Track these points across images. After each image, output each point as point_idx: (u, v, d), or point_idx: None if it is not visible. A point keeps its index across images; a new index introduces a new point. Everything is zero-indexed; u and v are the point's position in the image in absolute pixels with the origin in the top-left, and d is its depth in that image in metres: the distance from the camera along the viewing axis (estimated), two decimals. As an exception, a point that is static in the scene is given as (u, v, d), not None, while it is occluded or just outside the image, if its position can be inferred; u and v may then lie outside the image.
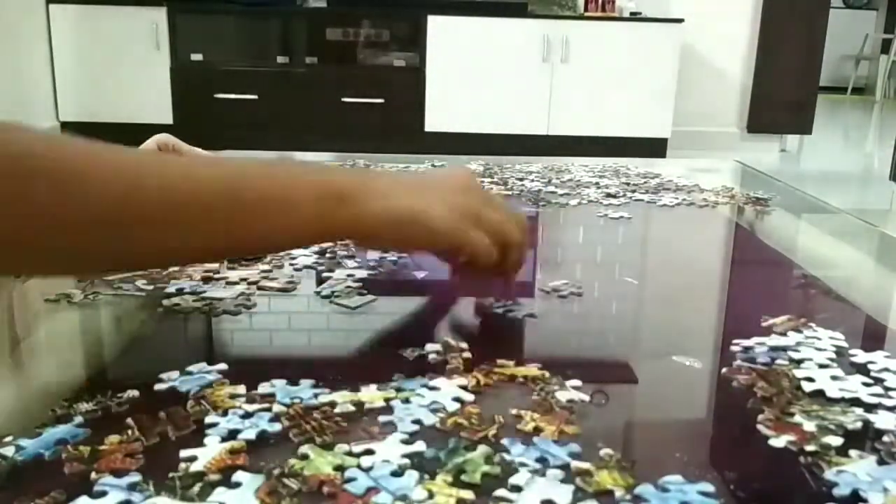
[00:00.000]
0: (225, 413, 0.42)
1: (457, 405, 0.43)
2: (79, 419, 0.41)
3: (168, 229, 0.45)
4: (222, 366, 0.47)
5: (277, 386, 0.45)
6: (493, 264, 0.53)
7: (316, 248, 0.72)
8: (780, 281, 0.76)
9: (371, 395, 0.44)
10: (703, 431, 0.44)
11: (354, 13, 4.56)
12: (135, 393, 0.43)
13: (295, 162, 0.53)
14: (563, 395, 0.44)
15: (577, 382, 0.46)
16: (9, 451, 0.38)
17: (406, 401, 0.43)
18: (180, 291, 0.60)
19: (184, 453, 0.38)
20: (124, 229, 0.44)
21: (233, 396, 0.44)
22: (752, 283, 0.75)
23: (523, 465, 0.37)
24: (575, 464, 0.37)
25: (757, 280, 0.76)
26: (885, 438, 0.41)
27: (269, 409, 0.42)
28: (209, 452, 0.38)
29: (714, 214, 0.93)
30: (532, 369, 0.47)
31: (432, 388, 0.45)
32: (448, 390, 0.45)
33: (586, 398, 0.44)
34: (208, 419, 0.41)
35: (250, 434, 0.40)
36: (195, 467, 0.37)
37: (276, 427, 0.41)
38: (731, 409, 0.45)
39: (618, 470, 0.37)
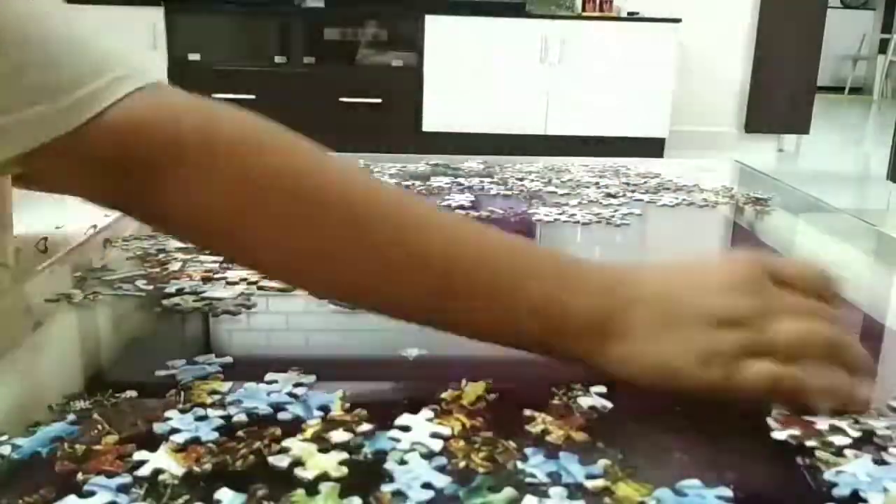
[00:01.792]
0: (187, 410, 0.41)
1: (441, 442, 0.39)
2: (72, 417, 0.41)
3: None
4: (227, 359, 0.47)
5: (248, 390, 0.44)
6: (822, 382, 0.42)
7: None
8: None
9: (327, 463, 0.37)
10: (704, 431, 0.44)
11: (352, 13, 4.56)
12: (133, 393, 0.43)
13: (527, 250, 0.48)
14: (585, 401, 0.44)
15: (602, 389, 0.45)
16: (5, 449, 0.38)
17: (402, 462, 0.38)
18: (180, 291, 0.60)
19: (137, 455, 0.37)
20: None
21: (212, 393, 0.43)
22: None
23: (533, 476, 0.36)
24: (591, 483, 0.36)
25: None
26: (878, 437, 0.41)
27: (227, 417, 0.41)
28: (160, 454, 0.37)
29: (714, 214, 0.93)
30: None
31: (405, 429, 0.40)
32: (422, 427, 0.40)
33: (609, 405, 0.43)
34: (167, 414, 0.41)
35: (180, 438, 0.39)
36: (144, 471, 0.36)
37: (213, 436, 0.39)
38: (732, 408, 0.45)
39: (632, 478, 0.36)
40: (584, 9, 4.69)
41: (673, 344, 0.42)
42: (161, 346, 0.54)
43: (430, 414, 0.42)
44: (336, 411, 0.42)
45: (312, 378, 0.45)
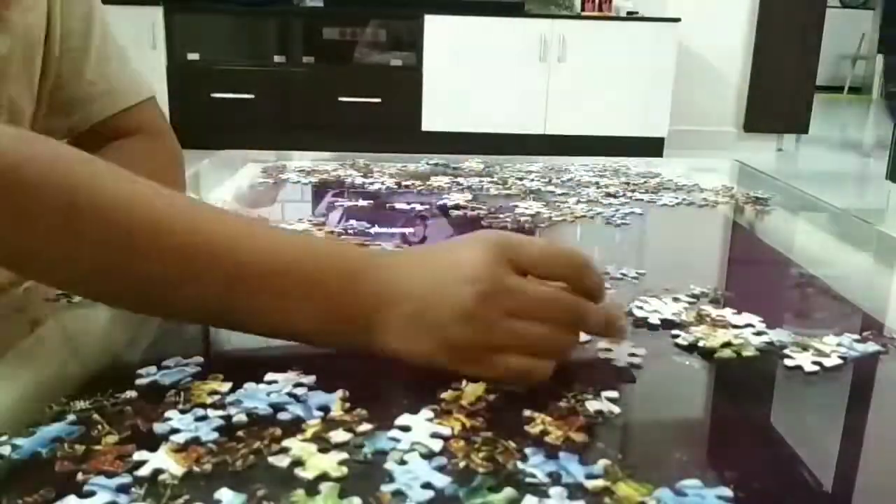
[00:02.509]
0: (187, 411, 0.41)
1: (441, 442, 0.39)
2: (72, 417, 0.40)
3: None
4: (198, 358, 0.47)
5: (248, 390, 0.44)
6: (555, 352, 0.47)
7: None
8: (780, 280, 0.76)
9: (327, 464, 0.37)
10: (704, 431, 0.44)
11: (351, 12, 4.56)
12: (132, 393, 0.43)
13: (311, 252, 0.49)
14: (592, 405, 0.43)
15: (614, 394, 0.45)
16: (5, 449, 0.38)
17: (402, 462, 0.38)
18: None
19: (137, 455, 0.37)
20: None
21: (212, 393, 0.43)
22: (752, 282, 0.75)
23: (533, 475, 0.36)
24: (591, 483, 0.36)
25: (757, 279, 0.76)
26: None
27: (227, 417, 0.41)
28: (160, 454, 0.37)
29: (714, 214, 0.93)
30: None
31: (405, 429, 0.40)
32: (422, 427, 0.40)
33: (617, 410, 0.43)
34: (167, 415, 0.41)
35: (181, 438, 0.39)
36: (144, 471, 0.36)
37: (213, 436, 0.39)
38: (731, 409, 0.45)
39: (632, 478, 0.36)
40: (583, 8, 4.70)
41: (428, 342, 0.45)
42: (161, 346, 0.54)
43: (430, 414, 0.42)
44: (336, 411, 0.42)
45: (312, 378, 0.45)
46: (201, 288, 0.46)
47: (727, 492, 0.36)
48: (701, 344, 0.53)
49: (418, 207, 0.88)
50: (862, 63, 9.46)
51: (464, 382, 0.45)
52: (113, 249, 0.45)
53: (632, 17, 4.60)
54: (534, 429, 0.41)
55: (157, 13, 4.30)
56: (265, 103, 4.41)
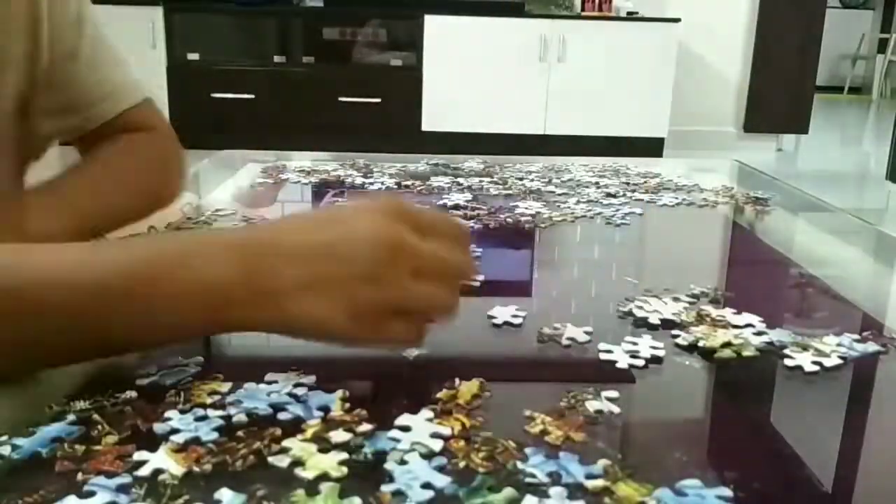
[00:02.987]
0: (187, 411, 0.41)
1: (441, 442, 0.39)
2: (72, 417, 0.41)
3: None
4: (198, 358, 0.47)
5: (248, 390, 0.44)
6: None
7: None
8: (780, 280, 0.76)
9: (327, 464, 0.37)
10: (704, 431, 0.44)
11: (351, 12, 4.56)
12: (133, 393, 0.43)
13: (173, 247, 0.46)
14: (592, 405, 0.43)
15: (614, 394, 0.45)
16: (5, 449, 0.38)
17: (402, 462, 0.37)
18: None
19: (137, 455, 0.37)
20: None
21: (212, 393, 0.43)
22: (752, 282, 0.75)
23: (533, 475, 0.36)
24: (591, 483, 0.36)
25: (757, 279, 0.76)
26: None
27: (227, 417, 0.41)
28: (160, 454, 0.37)
29: (714, 214, 0.93)
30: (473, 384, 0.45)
31: (405, 429, 0.40)
32: (422, 427, 0.40)
33: (617, 410, 0.43)
34: (167, 415, 0.41)
35: (181, 438, 0.39)
36: (144, 471, 0.36)
37: (213, 436, 0.39)
38: (731, 409, 0.45)
39: (632, 478, 0.36)
40: (583, 8, 4.69)
41: (322, 304, 0.43)
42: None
43: (430, 414, 0.42)
44: (336, 411, 0.42)
45: (312, 378, 0.45)
46: (18, 333, 0.42)
47: (727, 492, 0.36)
48: (701, 344, 0.53)
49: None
50: (862, 63, 9.46)
51: (457, 381, 0.45)
52: None
53: (632, 17, 4.60)
54: (533, 428, 0.41)
55: (157, 13, 4.30)
56: (265, 103, 4.41)
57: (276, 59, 4.50)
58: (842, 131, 7.11)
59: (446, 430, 0.40)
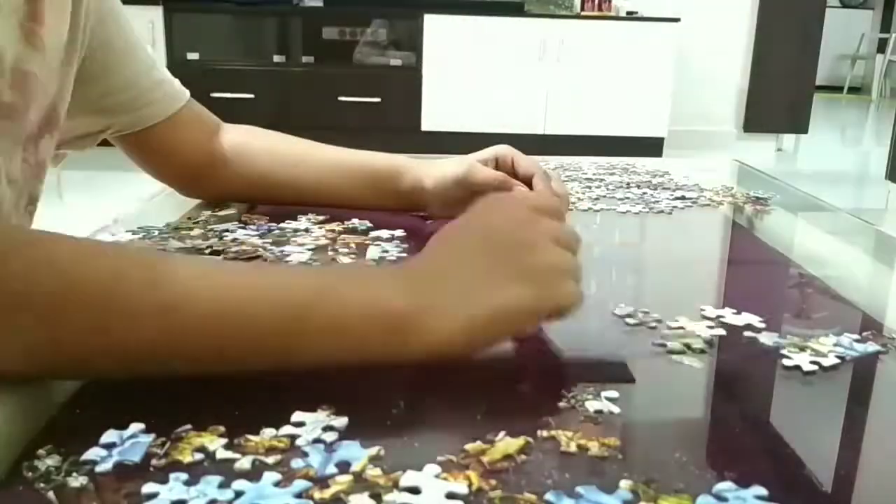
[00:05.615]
0: (166, 480, 0.35)
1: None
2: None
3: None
4: (140, 425, 0.39)
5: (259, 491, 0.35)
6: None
7: (311, 245, 0.72)
8: (780, 280, 0.76)
9: None
10: (702, 431, 0.45)
11: (351, 12, 4.56)
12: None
13: (346, 278, 0.48)
14: (592, 405, 0.43)
15: (614, 394, 0.45)
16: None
17: None
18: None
19: None
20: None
21: (199, 450, 0.38)
22: (752, 281, 0.75)
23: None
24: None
25: (757, 279, 0.77)
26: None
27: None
28: None
29: (714, 214, 0.93)
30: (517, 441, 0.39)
31: (414, 492, 0.35)
32: (434, 486, 0.35)
33: (616, 410, 0.43)
34: (145, 489, 0.34)
35: None
36: None
37: (229, 495, 0.34)
38: (730, 409, 0.45)
39: (672, 493, 0.35)
40: (582, 8, 4.69)
41: (473, 330, 0.45)
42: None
43: (438, 469, 0.37)
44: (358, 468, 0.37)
45: (344, 420, 0.41)
46: (223, 354, 0.43)
47: (762, 490, 0.36)
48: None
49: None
50: (861, 63, 9.46)
51: (500, 434, 0.40)
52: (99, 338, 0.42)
53: (631, 17, 4.60)
54: (569, 447, 0.39)
55: (157, 13, 4.29)
56: (265, 103, 4.40)
57: (276, 58, 4.50)
58: (841, 131, 7.12)
59: (461, 488, 0.35)
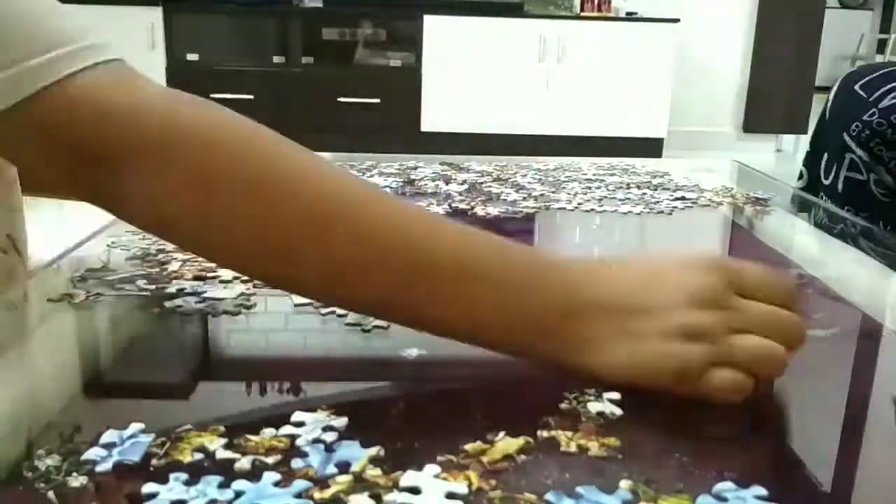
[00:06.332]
0: (166, 479, 0.35)
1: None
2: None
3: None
4: (140, 425, 0.39)
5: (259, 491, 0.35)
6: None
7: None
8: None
9: None
10: (702, 432, 0.44)
11: (351, 13, 4.56)
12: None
13: (487, 245, 0.47)
14: (594, 407, 0.43)
15: (616, 395, 0.44)
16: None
17: None
18: (181, 292, 0.60)
19: None
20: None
21: (199, 450, 0.37)
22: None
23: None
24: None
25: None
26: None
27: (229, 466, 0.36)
28: None
29: (714, 214, 0.93)
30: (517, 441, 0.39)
31: (414, 492, 0.35)
32: (434, 486, 0.35)
33: (618, 411, 0.43)
34: (145, 489, 0.34)
35: None
36: None
37: (229, 496, 0.34)
38: (729, 408, 0.45)
39: (672, 494, 0.35)
40: (582, 9, 4.70)
41: (643, 357, 0.44)
42: (162, 348, 0.54)
43: (437, 469, 0.36)
44: (358, 468, 0.37)
45: (344, 421, 0.40)
46: (387, 275, 0.45)
47: (762, 490, 0.35)
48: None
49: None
50: (861, 64, 9.47)
51: (500, 434, 0.39)
52: (304, 229, 0.45)
53: (631, 17, 4.60)
54: (569, 447, 0.39)
55: (157, 13, 4.30)
56: (264, 103, 4.40)
57: (276, 59, 4.50)
58: (841, 131, 7.10)
59: (461, 488, 0.35)
